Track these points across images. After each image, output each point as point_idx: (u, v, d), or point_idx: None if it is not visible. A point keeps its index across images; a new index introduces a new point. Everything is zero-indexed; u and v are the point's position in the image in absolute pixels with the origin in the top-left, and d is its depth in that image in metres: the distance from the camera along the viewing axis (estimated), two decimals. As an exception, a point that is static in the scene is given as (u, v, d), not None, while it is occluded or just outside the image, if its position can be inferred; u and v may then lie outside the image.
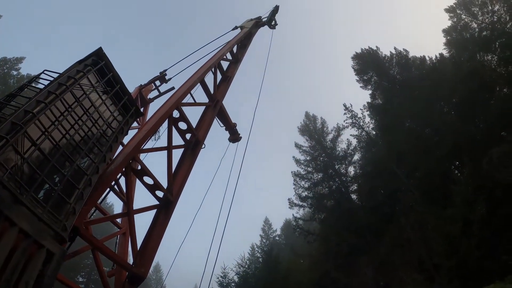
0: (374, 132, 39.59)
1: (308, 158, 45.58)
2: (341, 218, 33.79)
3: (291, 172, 44.66)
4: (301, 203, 42.37)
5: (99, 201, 8.36)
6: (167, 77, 16.55)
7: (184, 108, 9.82)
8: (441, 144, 29.01)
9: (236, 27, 18.64)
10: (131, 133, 9.33)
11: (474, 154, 24.98)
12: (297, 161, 45.56)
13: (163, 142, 9.77)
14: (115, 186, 9.38)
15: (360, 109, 40.70)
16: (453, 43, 36.36)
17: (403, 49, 40.88)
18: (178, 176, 9.05)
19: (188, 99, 10.53)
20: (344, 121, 41.60)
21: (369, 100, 40.57)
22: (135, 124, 12.50)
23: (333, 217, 35.67)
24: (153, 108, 15.58)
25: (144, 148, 8.61)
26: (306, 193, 42.57)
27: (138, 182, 9.13)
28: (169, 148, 9.03)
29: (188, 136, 10.00)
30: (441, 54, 38.18)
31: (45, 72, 6.02)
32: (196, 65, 15.22)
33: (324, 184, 41.61)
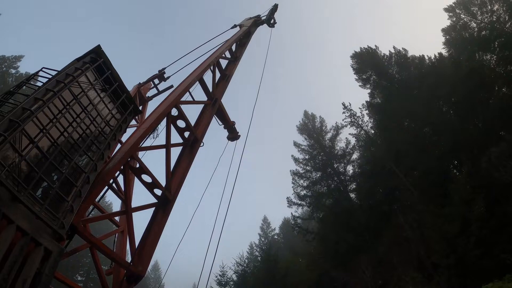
0: (373, 131, 39.61)
1: (307, 156, 45.65)
2: (340, 217, 33.83)
3: (290, 170, 44.79)
4: (299, 202, 42.53)
5: (98, 199, 8.36)
6: (165, 76, 16.50)
7: (183, 106, 9.80)
8: (440, 143, 29.08)
9: (235, 26, 18.59)
10: (130, 131, 9.34)
11: (473, 153, 25.05)
12: (296, 160, 45.62)
13: (161, 140, 9.76)
14: (114, 184, 9.37)
15: (359, 108, 40.73)
16: (452, 43, 36.37)
17: (402, 48, 40.95)
18: (177, 174, 9.03)
19: (186, 97, 10.52)
20: (343, 120, 41.64)
21: (368, 99, 40.62)
22: (133, 122, 12.50)
23: (331, 216, 35.71)
24: (151, 106, 15.55)
25: (142, 146, 8.58)
26: (304, 191, 42.72)
27: (136, 180, 9.12)
28: (168, 146, 9.01)
29: (186, 134, 9.98)
30: (440, 54, 38.23)
31: (43, 69, 6.00)
32: (195, 64, 15.15)
33: (323, 183, 41.69)
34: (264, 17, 20.34)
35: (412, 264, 24.33)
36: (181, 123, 9.83)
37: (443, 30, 37.79)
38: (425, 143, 30.04)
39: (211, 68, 12.25)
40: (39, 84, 5.70)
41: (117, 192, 9.50)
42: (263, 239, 62.05)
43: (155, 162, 10.69)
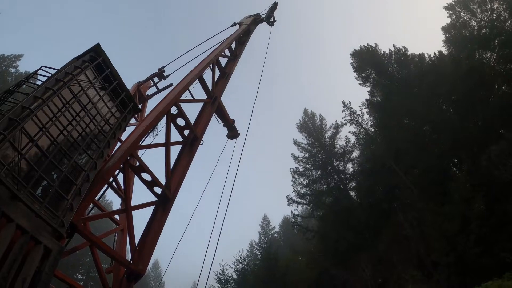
0: (372, 129, 39.52)
1: (306, 155, 45.65)
2: (340, 215, 33.82)
3: (290, 169, 44.78)
4: (299, 200, 42.54)
5: (97, 197, 8.35)
6: (165, 74, 16.50)
7: (182, 105, 9.80)
8: (440, 141, 29.07)
9: (234, 24, 18.57)
10: (129, 129, 9.33)
11: (473, 151, 25.05)
12: (296, 158, 45.61)
13: (161, 138, 9.75)
14: (113, 183, 9.38)
15: (359, 106, 40.66)
16: (452, 41, 36.32)
17: (402, 46, 40.83)
18: (176, 172, 9.04)
19: (186, 95, 10.52)
20: (342, 118, 41.51)
21: (368, 97, 40.56)
22: (133, 120, 12.48)
23: (331, 214, 35.71)
24: (151, 105, 15.54)
25: (142, 144, 8.58)
26: (304, 190, 42.71)
27: (136, 178, 9.12)
28: (167, 144, 9.01)
29: (186, 132, 9.98)
30: (440, 52, 38.13)
31: (42, 68, 5.99)
32: (194, 62, 15.10)
33: (323, 181, 41.68)
34: (264, 15, 20.35)
35: (411, 262, 24.37)
36: (180, 121, 9.83)
37: (443, 28, 37.75)
38: (425, 141, 30.02)
39: (211, 66, 12.25)
40: (39, 82, 5.71)
41: (117, 190, 9.51)
42: (263, 237, 62.13)
43: (154, 161, 10.69)
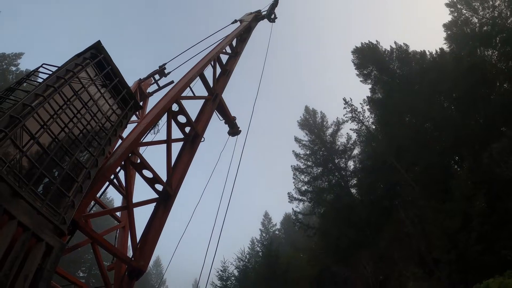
0: (374, 126, 39.45)
1: (308, 152, 45.65)
2: (341, 212, 33.81)
3: (291, 166, 44.80)
4: (300, 197, 42.57)
5: (99, 195, 8.37)
6: (166, 71, 16.51)
7: (184, 102, 9.79)
8: (441, 139, 29.01)
9: (235, 21, 18.55)
10: (130, 126, 9.33)
11: (474, 148, 24.99)
12: (297, 155, 45.61)
13: (162, 135, 9.76)
14: (115, 180, 9.38)
15: (360, 103, 40.55)
16: (453, 38, 36.18)
17: (403, 43, 40.70)
18: (177, 169, 9.04)
19: (187, 92, 10.52)
20: (344, 115, 41.49)
21: (369, 94, 40.46)
22: (134, 117, 12.49)
23: (332, 211, 35.68)
24: (152, 102, 15.56)
25: (143, 141, 8.59)
26: (305, 187, 42.78)
27: (137, 175, 9.13)
28: (169, 141, 9.02)
29: (187, 129, 9.98)
30: (441, 49, 37.97)
31: (43, 65, 5.99)
32: (195, 59, 15.16)
33: (324, 178, 41.71)
34: (265, 12, 20.34)
35: (413, 259, 24.38)
36: (181, 119, 9.83)
37: (444, 25, 37.58)
38: (426, 139, 29.94)
39: (212, 63, 12.25)
40: (40, 80, 5.70)
41: (118, 187, 9.51)
42: (264, 235, 62.17)
43: (156, 158, 10.70)
